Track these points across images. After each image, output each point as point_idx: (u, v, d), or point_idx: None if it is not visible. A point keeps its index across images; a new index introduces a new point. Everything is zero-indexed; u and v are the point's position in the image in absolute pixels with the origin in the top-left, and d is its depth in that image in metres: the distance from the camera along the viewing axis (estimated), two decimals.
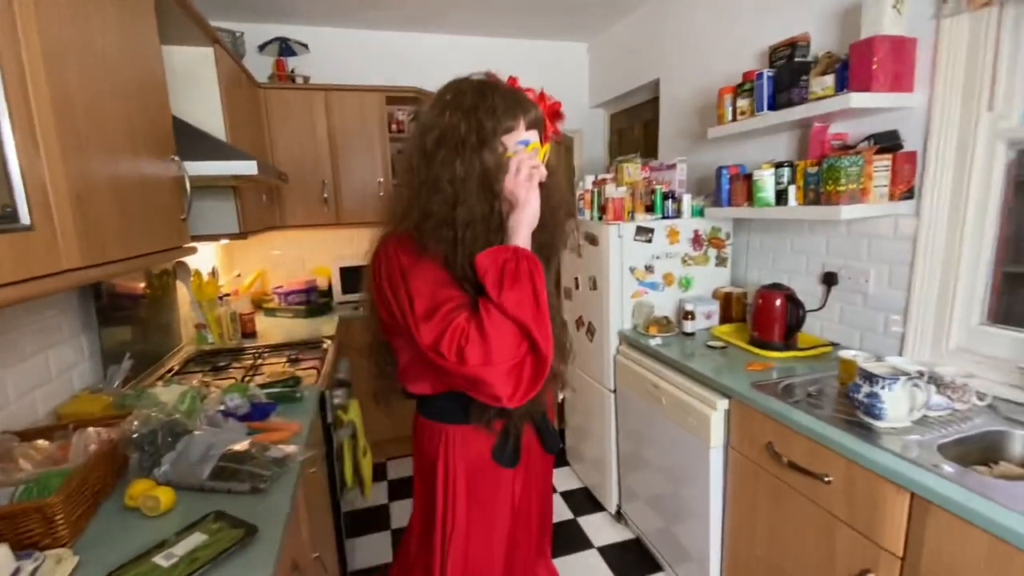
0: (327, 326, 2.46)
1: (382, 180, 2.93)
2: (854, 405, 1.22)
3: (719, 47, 2.28)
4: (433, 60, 3.20)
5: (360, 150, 2.88)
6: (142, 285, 1.81)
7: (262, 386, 1.52)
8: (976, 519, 0.89)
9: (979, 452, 1.16)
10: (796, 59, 1.72)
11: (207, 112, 1.84)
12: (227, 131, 1.92)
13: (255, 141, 2.45)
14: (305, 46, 2.88)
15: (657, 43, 2.76)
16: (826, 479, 1.19)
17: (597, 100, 3.49)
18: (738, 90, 1.91)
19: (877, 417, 1.17)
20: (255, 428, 1.28)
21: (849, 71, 1.52)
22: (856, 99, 1.46)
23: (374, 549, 2.19)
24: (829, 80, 1.57)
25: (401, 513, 2.44)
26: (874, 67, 1.44)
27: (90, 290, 1.48)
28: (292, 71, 2.85)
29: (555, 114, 1.00)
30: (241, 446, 1.10)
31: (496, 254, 0.86)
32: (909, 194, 1.52)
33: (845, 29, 1.69)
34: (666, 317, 2.09)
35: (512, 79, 0.99)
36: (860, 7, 1.51)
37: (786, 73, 1.72)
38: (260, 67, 2.79)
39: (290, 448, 1.15)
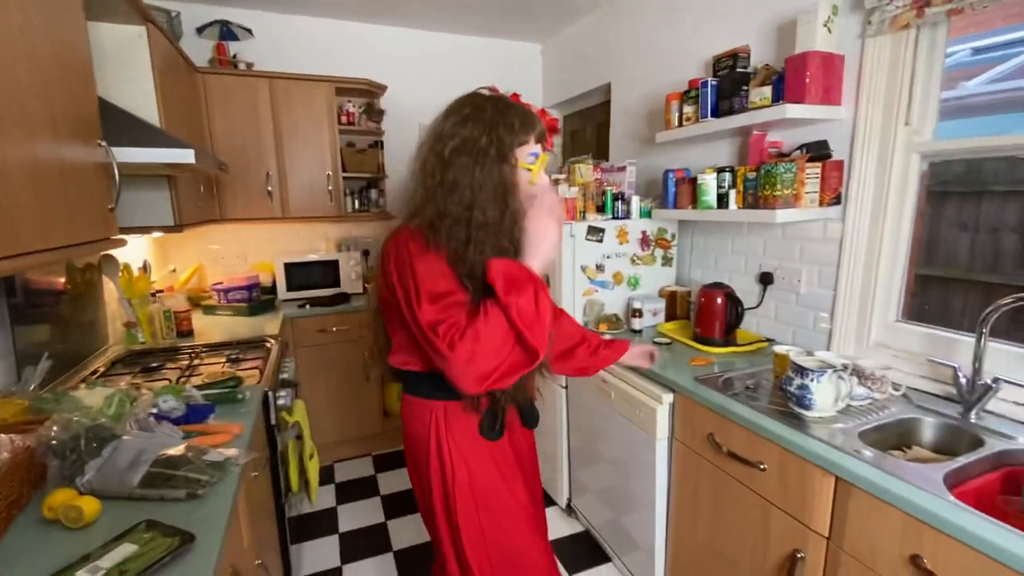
0: (271, 325, 2.36)
1: (331, 173, 2.84)
2: (787, 396, 1.30)
3: (667, 55, 2.37)
4: (385, 53, 3.14)
5: (308, 142, 2.78)
6: (62, 280, 1.67)
7: (200, 387, 1.44)
8: (892, 499, 0.97)
9: (895, 438, 1.27)
10: (738, 70, 1.81)
11: (139, 96, 1.72)
12: (161, 117, 1.81)
13: (193, 128, 2.31)
14: (248, 31, 2.75)
15: (608, 48, 2.82)
16: (761, 466, 1.26)
17: (551, 101, 3.53)
18: (684, 97, 1.99)
19: (807, 407, 1.25)
20: (192, 432, 1.21)
21: (785, 83, 1.61)
22: (791, 110, 1.55)
23: (321, 555, 2.12)
24: (767, 91, 1.66)
25: (350, 517, 2.38)
26: (807, 80, 1.54)
27: (2, 284, 1.35)
28: (234, 56, 2.71)
29: (552, 129, 1.11)
30: (176, 450, 1.04)
31: (509, 265, 0.94)
32: (836, 200, 1.63)
33: (781, 44, 1.79)
34: (615, 315, 2.14)
35: (515, 95, 1.08)
36: (795, 24, 1.61)
37: (728, 82, 1.80)
38: (199, 51, 2.64)
39: (230, 451, 1.10)
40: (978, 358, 1.25)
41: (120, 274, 1.99)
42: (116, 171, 1.24)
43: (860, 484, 1.03)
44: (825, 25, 1.54)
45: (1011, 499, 1.05)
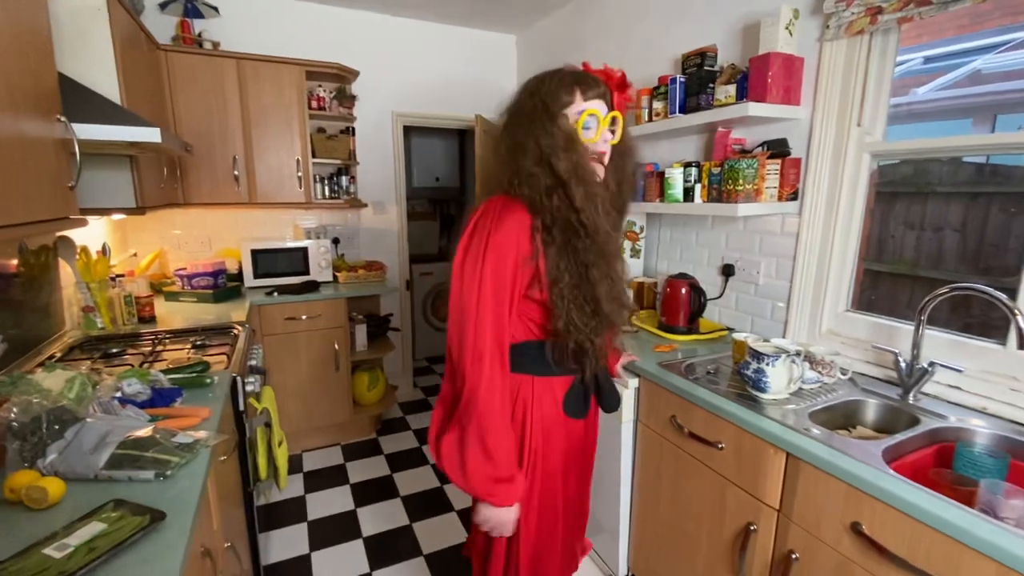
0: (237, 312, 2.32)
1: (300, 159, 2.79)
2: (744, 380, 1.37)
3: (637, 51, 2.42)
4: (357, 38, 3.09)
5: (277, 126, 2.72)
6: (15, 262, 1.60)
7: (165, 372, 1.41)
8: (836, 472, 1.05)
9: (842, 418, 1.36)
10: (705, 68, 1.87)
11: (99, 72, 1.65)
12: (122, 94, 1.74)
13: (155, 108, 2.23)
14: (215, 9, 2.66)
15: (581, 42, 2.86)
16: (719, 446, 1.33)
17: None
18: (654, 92, 2.04)
19: (762, 390, 1.33)
20: (158, 415, 1.19)
21: (748, 83, 1.68)
22: (753, 108, 1.62)
23: (289, 542, 2.11)
24: (732, 89, 1.73)
25: (319, 505, 2.37)
26: (769, 80, 1.61)
27: None
28: (199, 35, 2.62)
29: (621, 84, 1.09)
30: (144, 432, 1.03)
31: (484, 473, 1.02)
32: (794, 195, 1.72)
33: (746, 44, 1.86)
34: None
35: (585, 64, 1.12)
36: (759, 26, 1.68)
37: (696, 80, 1.86)
38: (161, 27, 2.55)
39: (200, 433, 1.10)
40: (916, 345, 1.35)
41: (77, 257, 1.92)
42: (77, 148, 1.21)
43: (809, 459, 1.10)
44: (787, 28, 1.62)
45: (942, 471, 1.15)
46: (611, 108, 1.06)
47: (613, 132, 1.07)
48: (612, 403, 1.25)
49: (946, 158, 1.82)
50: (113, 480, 0.94)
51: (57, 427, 1.00)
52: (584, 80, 1.04)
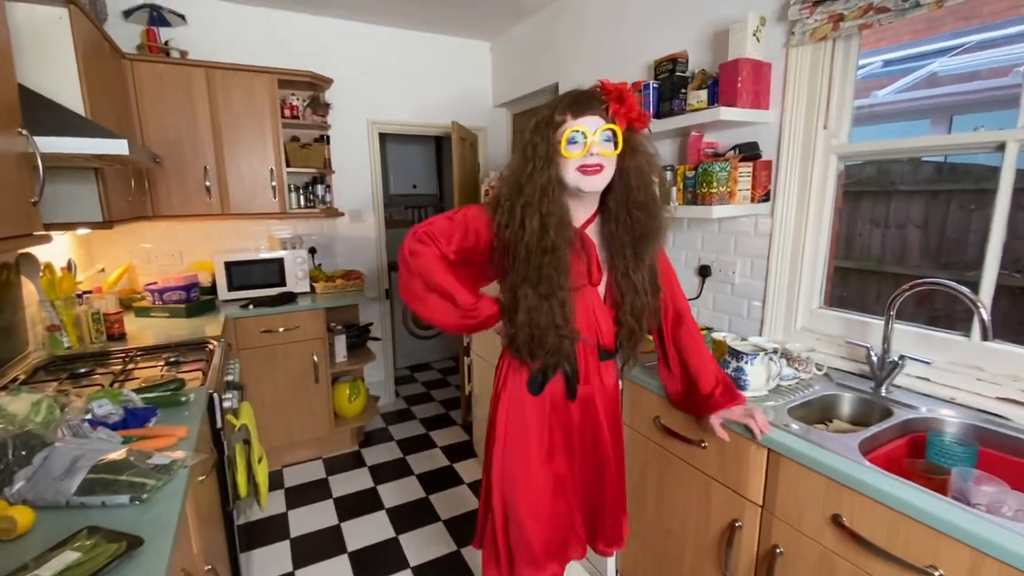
0: (211, 326, 2.26)
1: (274, 168, 2.75)
2: None
3: (611, 57, 2.45)
4: (330, 45, 3.07)
5: (249, 135, 2.67)
6: None
7: (138, 391, 1.37)
8: (815, 465, 1.07)
9: (818, 412, 1.39)
10: (676, 74, 1.91)
11: (61, 83, 1.59)
12: (86, 105, 1.68)
13: (122, 119, 2.17)
14: (181, 17, 2.61)
15: (555, 48, 2.89)
16: (702, 444, 1.35)
17: (500, 100, 3.56)
18: None
19: (742, 387, 1.35)
20: (132, 436, 1.15)
21: (719, 87, 1.72)
22: (724, 112, 1.66)
23: (272, 561, 2.06)
24: (703, 94, 1.77)
25: (302, 521, 2.32)
26: (739, 85, 1.66)
27: None
28: (166, 43, 2.56)
29: (618, 98, 1.12)
30: (117, 455, 1.00)
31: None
32: (766, 197, 1.76)
33: (716, 50, 1.91)
34: None
35: (603, 81, 1.16)
36: (728, 32, 1.72)
37: (668, 86, 1.90)
38: (126, 36, 2.48)
39: (177, 453, 1.06)
40: (886, 339, 1.40)
41: (41, 274, 1.85)
42: (40, 162, 1.17)
43: (789, 455, 1.13)
44: (754, 34, 1.66)
45: (915, 461, 1.18)
46: (610, 122, 1.10)
47: (615, 144, 1.10)
48: (570, 393, 1.28)
49: (907, 158, 1.90)
50: (86, 506, 0.90)
51: (24, 453, 0.96)
52: (578, 100, 1.11)
